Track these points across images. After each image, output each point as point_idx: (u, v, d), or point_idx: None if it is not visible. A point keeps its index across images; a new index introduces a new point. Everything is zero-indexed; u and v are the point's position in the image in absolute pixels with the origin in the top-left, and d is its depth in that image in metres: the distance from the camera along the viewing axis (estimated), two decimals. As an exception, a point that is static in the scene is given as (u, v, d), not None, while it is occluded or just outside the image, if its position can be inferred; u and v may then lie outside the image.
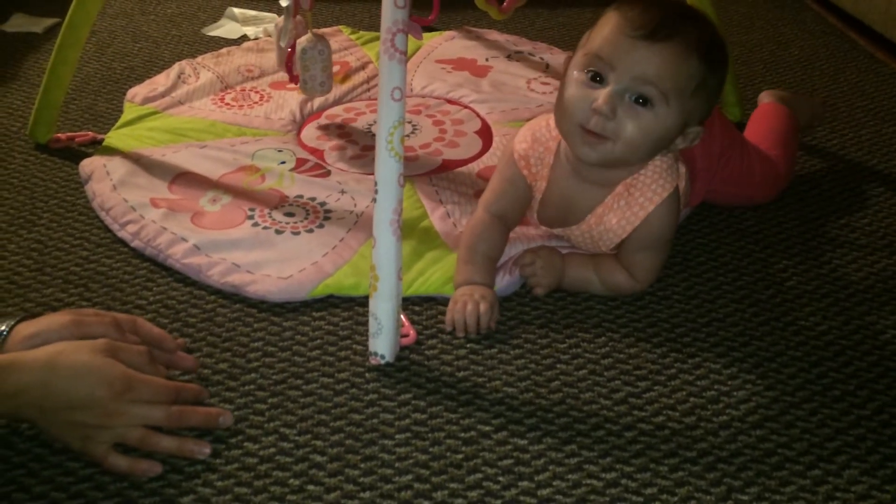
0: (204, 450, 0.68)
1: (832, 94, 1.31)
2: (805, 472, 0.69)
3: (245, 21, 1.52)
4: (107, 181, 1.03)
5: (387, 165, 0.76)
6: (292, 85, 1.18)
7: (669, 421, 0.74)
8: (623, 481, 0.68)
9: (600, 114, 0.78)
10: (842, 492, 0.68)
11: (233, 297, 0.87)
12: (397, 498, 0.66)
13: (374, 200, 0.76)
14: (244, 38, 1.47)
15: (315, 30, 1.13)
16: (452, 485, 0.67)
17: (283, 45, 1.13)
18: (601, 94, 0.78)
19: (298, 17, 1.14)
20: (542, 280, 0.88)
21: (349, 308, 0.87)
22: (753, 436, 0.73)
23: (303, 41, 1.11)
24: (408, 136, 1.18)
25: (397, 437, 0.72)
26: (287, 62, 1.14)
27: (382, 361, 0.79)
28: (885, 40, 1.44)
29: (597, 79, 0.79)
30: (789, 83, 1.34)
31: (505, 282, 0.89)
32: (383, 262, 0.77)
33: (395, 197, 0.76)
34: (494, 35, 1.48)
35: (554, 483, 0.68)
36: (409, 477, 0.68)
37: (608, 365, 0.81)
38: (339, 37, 1.46)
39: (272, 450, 0.70)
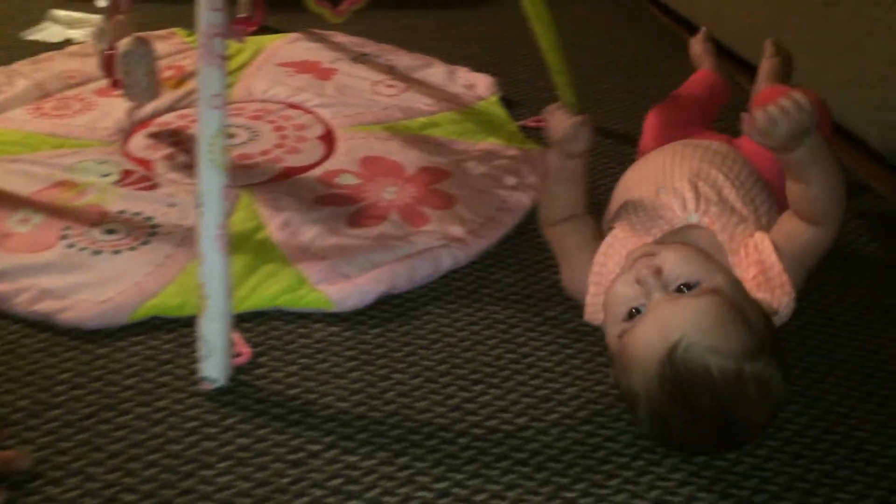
0: (-4, 498, 0.61)
1: (664, 93, 1.36)
2: (629, 463, 0.71)
3: (70, 24, 1.42)
4: None
5: (210, 177, 0.73)
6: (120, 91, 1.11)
7: (503, 423, 0.74)
8: (454, 490, 0.68)
9: None
10: (663, 480, 0.70)
11: (40, 326, 0.80)
12: (216, 530, 0.63)
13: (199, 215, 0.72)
14: (68, 42, 1.37)
15: (142, 32, 1.07)
16: (277, 510, 0.65)
17: (101, 47, 1.06)
18: None
19: (120, 17, 1.07)
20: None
21: (173, 330, 0.82)
22: (582, 431, 0.74)
23: (124, 44, 1.04)
24: (246, 142, 1.13)
25: (219, 465, 0.68)
26: (106, 66, 1.06)
27: (216, 386, 0.75)
28: (714, 41, 1.51)
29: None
30: (625, 83, 1.39)
31: (363, 290, 0.86)
32: (211, 280, 0.73)
33: (219, 211, 0.73)
34: (339, 37, 1.46)
35: (384, 499, 0.67)
36: (230, 507, 0.64)
37: (444, 371, 0.80)
38: (174, 39, 1.39)
39: (76, 492, 0.64)
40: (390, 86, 1.30)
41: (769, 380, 0.66)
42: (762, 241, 0.78)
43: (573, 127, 0.83)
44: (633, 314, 0.70)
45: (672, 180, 0.84)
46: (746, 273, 0.77)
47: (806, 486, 0.69)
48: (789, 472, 0.70)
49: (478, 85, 1.31)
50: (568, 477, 0.69)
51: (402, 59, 1.39)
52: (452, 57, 1.43)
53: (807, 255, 0.78)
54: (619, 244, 0.81)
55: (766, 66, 1.15)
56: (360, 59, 1.39)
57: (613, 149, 1.20)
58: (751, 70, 1.41)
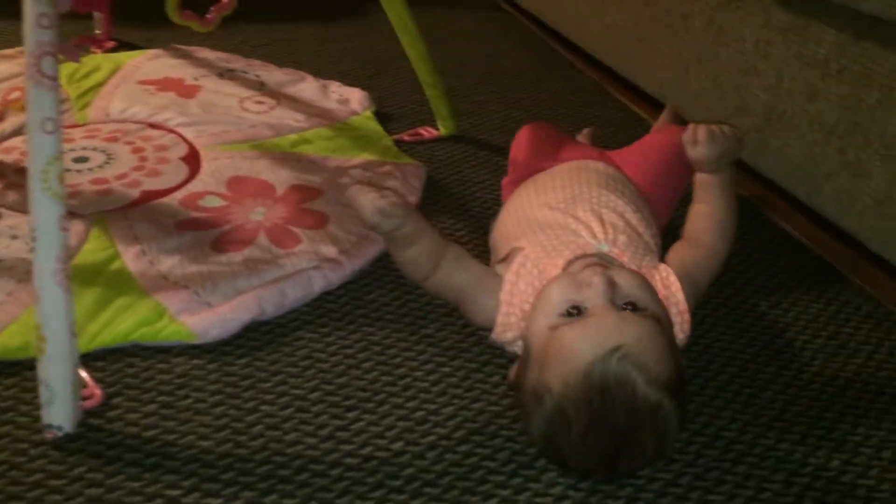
0: None
1: (537, 103, 1.38)
2: (507, 481, 0.70)
3: None
4: None
5: (44, 208, 0.67)
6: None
7: (377, 450, 0.72)
8: (326, 526, 0.65)
9: None
10: (541, 496, 0.69)
11: None
12: None
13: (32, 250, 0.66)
14: None
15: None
16: (129, 567, 0.59)
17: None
18: None
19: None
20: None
21: (15, 374, 0.75)
22: (459, 452, 0.72)
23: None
24: (101, 166, 1.06)
25: (63, 522, 0.62)
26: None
27: (61, 434, 0.69)
28: (581, 50, 1.55)
29: None
30: (499, 93, 1.40)
31: (227, 318, 0.81)
32: (50, 320, 0.67)
33: (57, 243, 0.67)
34: (205, 52, 1.40)
35: (251, 542, 0.63)
36: (75, 568, 0.59)
37: (316, 399, 0.76)
38: (23, 59, 1.29)
39: None
40: (259, 102, 1.26)
41: (673, 420, 0.66)
42: (669, 275, 0.78)
43: (379, 208, 0.76)
44: (572, 313, 0.68)
45: (575, 209, 0.83)
46: None
47: (679, 492, 0.70)
48: (662, 477, 0.71)
49: (351, 99, 1.29)
50: (445, 501, 0.67)
51: (273, 75, 1.35)
52: (326, 72, 1.40)
53: (701, 285, 0.81)
54: (530, 264, 0.79)
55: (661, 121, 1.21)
56: (226, 74, 1.33)
57: (489, 160, 1.19)
58: (615, 77, 1.45)
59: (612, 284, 0.69)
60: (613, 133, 1.30)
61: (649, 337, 0.66)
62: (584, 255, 0.77)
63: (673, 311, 0.76)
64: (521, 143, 1.03)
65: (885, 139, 0.89)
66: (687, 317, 0.77)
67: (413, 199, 1.05)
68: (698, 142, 0.83)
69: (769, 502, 0.69)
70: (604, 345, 0.64)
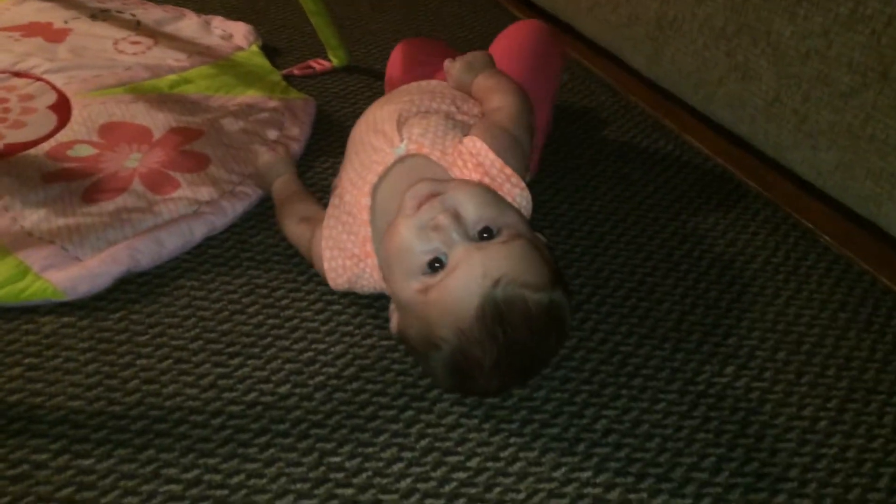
0: None
1: (436, 27, 1.33)
2: (398, 416, 0.68)
3: None
4: None
5: None
6: None
7: (262, 395, 0.69)
8: (207, 476, 0.61)
9: None
10: (433, 427, 0.67)
11: None
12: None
13: None
14: None
15: None
16: (-12, 540, 0.56)
17: None
18: None
19: None
20: None
21: None
22: (349, 390, 0.70)
23: None
24: (-41, 121, 0.98)
25: (-89, 500, 0.57)
26: None
27: (-84, 404, 0.64)
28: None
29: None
30: (394, 22, 1.34)
31: (96, 273, 0.76)
32: None
33: None
34: (75, -7, 1.30)
35: (124, 500, 0.59)
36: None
37: (197, 349, 0.72)
38: None
39: None
40: (135, 42, 1.17)
41: (564, 307, 0.65)
42: (473, 142, 0.74)
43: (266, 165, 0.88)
44: (435, 266, 0.64)
45: (382, 123, 0.79)
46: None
47: (573, 409, 0.69)
48: (557, 397, 0.70)
49: (235, 34, 1.21)
50: (333, 441, 0.65)
51: (150, 13, 1.26)
52: (210, 7, 1.32)
53: (521, 138, 0.76)
54: (340, 201, 0.75)
55: None
56: (100, 15, 1.24)
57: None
58: None
59: (457, 217, 0.65)
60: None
61: (519, 257, 0.63)
62: (388, 169, 0.73)
63: (494, 172, 0.73)
64: (394, 62, 0.98)
65: (770, 38, 0.87)
66: (508, 171, 0.73)
67: (302, 134, 1.00)
68: (450, 73, 0.87)
69: (664, 412, 0.69)
70: (483, 285, 0.62)
